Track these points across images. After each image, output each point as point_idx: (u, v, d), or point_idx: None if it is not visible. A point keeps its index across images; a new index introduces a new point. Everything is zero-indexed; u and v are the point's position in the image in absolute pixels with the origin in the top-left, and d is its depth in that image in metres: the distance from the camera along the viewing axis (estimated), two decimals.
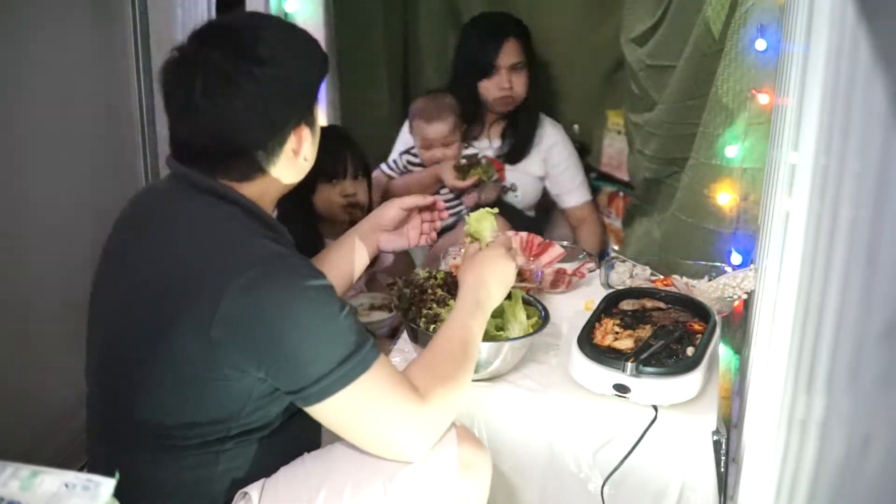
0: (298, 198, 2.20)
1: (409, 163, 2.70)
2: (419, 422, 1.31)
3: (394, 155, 2.77)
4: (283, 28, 1.40)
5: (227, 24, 1.40)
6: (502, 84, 2.60)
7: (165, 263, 1.31)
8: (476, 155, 2.61)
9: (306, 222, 2.30)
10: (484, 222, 1.60)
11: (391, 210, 1.72)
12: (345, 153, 2.29)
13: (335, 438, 1.38)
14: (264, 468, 1.37)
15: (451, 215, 2.59)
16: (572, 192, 2.77)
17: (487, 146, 2.72)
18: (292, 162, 1.37)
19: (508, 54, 2.59)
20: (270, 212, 1.43)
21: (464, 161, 2.57)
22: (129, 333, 1.33)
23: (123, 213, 1.45)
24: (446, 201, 2.58)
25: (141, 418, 1.33)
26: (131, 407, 1.34)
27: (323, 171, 2.23)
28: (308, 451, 1.42)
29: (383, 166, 2.73)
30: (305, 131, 1.36)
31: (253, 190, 1.36)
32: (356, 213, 2.34)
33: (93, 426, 1.46)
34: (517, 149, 2.70)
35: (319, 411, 1.28)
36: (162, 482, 1.35)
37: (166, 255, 1.31)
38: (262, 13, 1.54)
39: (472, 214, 1.62)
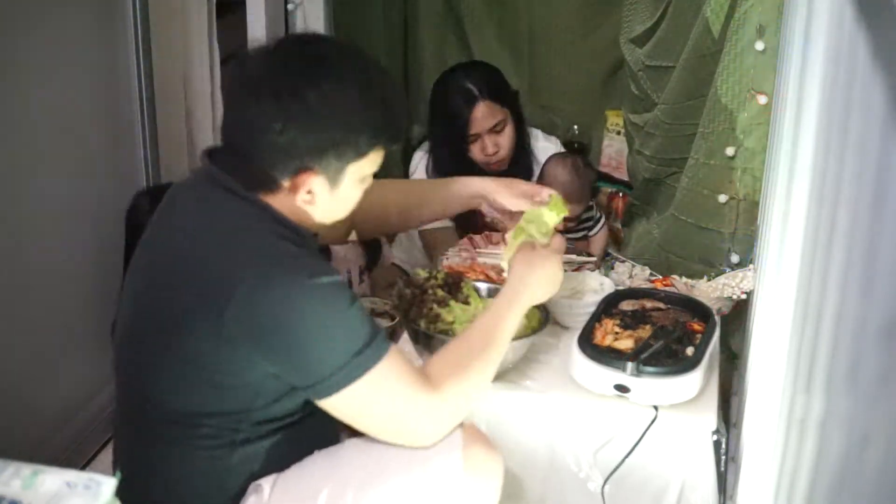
0: None
1: None
2: (430, 411, 1.33)
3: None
4: (355, 82, 1.34)
5: (319, 49, 1.38)
6: (486, 150, 2.43)
7: (182, 255, 1.34)
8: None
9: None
10: (545, 218, 1.60)
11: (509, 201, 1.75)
12: None
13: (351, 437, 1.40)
14: (278, 463, 1.39)
15: None
16: None
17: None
18: (292, 199, 1.35)
19: (485, 118, 2.41)
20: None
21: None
22: (146, 323, 1.36)
23: (158, 207, 1.46)
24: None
25: (157, 406, 1.36)
26: (148, 394, 1.37)
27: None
28: (321, 449, 1.43)
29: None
30: (313, 179, 1.32)
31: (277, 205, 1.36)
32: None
33: (117, 416, 1.49)
34: None
35: (332, 404, 1.30)
36: (178, 471, 1.38)
37: (184, 247, 1.34)
38: (360, 54, 1.43)
39: (534, 210, 1.61)
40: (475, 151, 2.46)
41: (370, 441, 1.37)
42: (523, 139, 2.55)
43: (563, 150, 2.68)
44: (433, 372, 1.35)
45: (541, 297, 1.54)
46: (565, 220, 1.80)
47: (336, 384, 1.27)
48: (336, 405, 1.30)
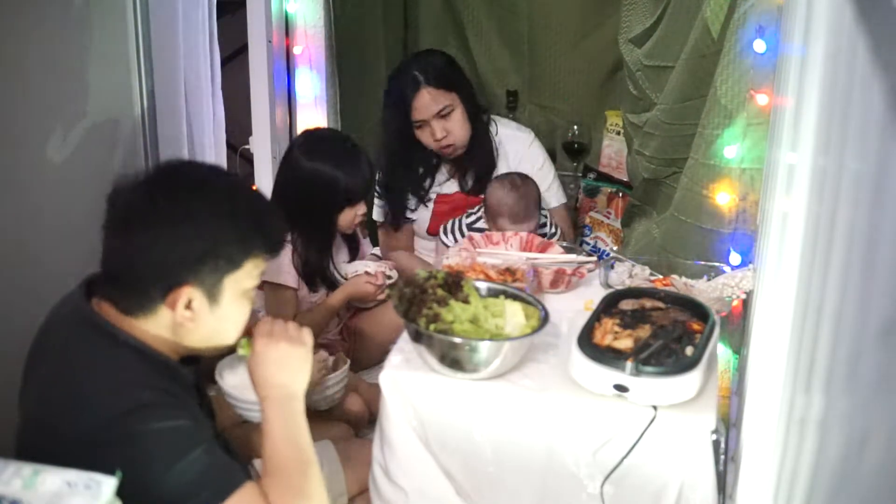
0: (325, 220, 2.27)
1: (472, 228, 2.53)
2: None
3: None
4: (221, 195, 1.39)
5: (184, 170, 1.44)
6: (435, 136, 2.47)
7: (42, 405, 1.36)
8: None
9: (325, 242, 2.34)
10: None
11: None
12: (369, 177, 2.30)
13: None
14: None
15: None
16: (547, 190, 2.67)
17: (457, 188, 2.65)
18: (171, 318, 1.37)
19: (427, 106, 2.44)
20: (176, 355, 1.43)
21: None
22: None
23: (35, 337, 1.47)
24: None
25: None
26: None
27: (354, 195, 2.26)
28: None
29: (444, 238, 2.55)
30: (189, 292, 1.35)
31: (147, 332, 1.38)
32: (363, 227, 2.44)
33: None
34: (481, 180, 2.58)
35: None
36: None
37: (47, 396, 1.36)
38: (227, 173, 1.52)
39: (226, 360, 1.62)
40: (425, 138, 2.50)
41: None
42: (479, 126, 2.55)
43: (535, 141, 2.69)
44: (276, 499, 1.34)
45: (297, 379, 1.47)
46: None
47: None
48: None
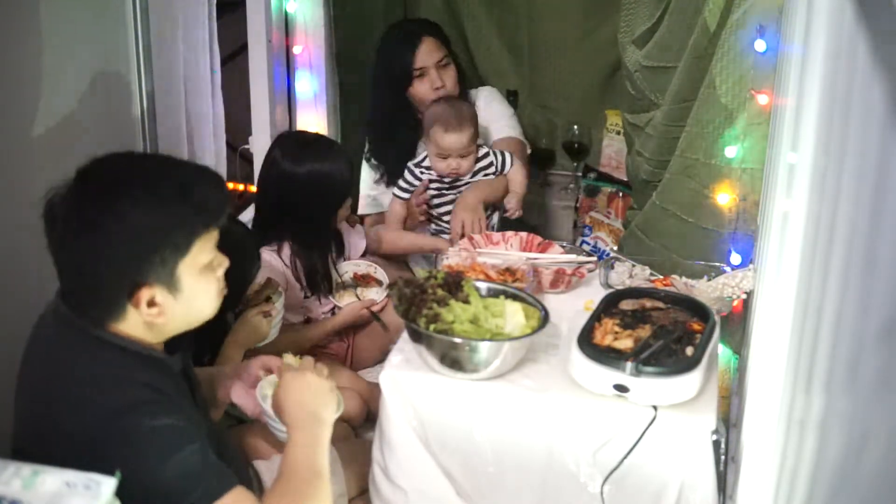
0: (326, 219, 2.30)
1: (424, 174, 2.56)
2: None
3: (366, 180, 2.74)
4: (143, 186, 1.33)
5: (114, 167, 1.38)
6: (435, 84, 2.55)
7: (36, 407, 1.36)
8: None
9: (328, 242, 2.37)
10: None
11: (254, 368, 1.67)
12: (352, 169, 2.33)
13: None
14: None
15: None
16: (498, 123, 2.70)
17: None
18: (138, 314, 1.34)
19: (431, 53, 2.56)
20: (161, 344, 1.41)
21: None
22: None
23: (27, 342, 1.45)
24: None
25: None
26: None
27: (349, 187, 2.31)
28: None
29: (396, 191, 2.59)
30: (148, 292, 1.32)
31: (125, 332, 1.36)
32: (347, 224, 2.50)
33: None
34: None
35: None
36: None
37: (40, 398, 1.36)
38: (145, 156, 1.48)
39: (267, 380, 1.61)
40: (423, 88, 2.57)
41: None
42: (464, 87, 2.66)
43: (491, 91, 2.76)
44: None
45: (326, 414, 1.49)
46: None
47: None
48: None
